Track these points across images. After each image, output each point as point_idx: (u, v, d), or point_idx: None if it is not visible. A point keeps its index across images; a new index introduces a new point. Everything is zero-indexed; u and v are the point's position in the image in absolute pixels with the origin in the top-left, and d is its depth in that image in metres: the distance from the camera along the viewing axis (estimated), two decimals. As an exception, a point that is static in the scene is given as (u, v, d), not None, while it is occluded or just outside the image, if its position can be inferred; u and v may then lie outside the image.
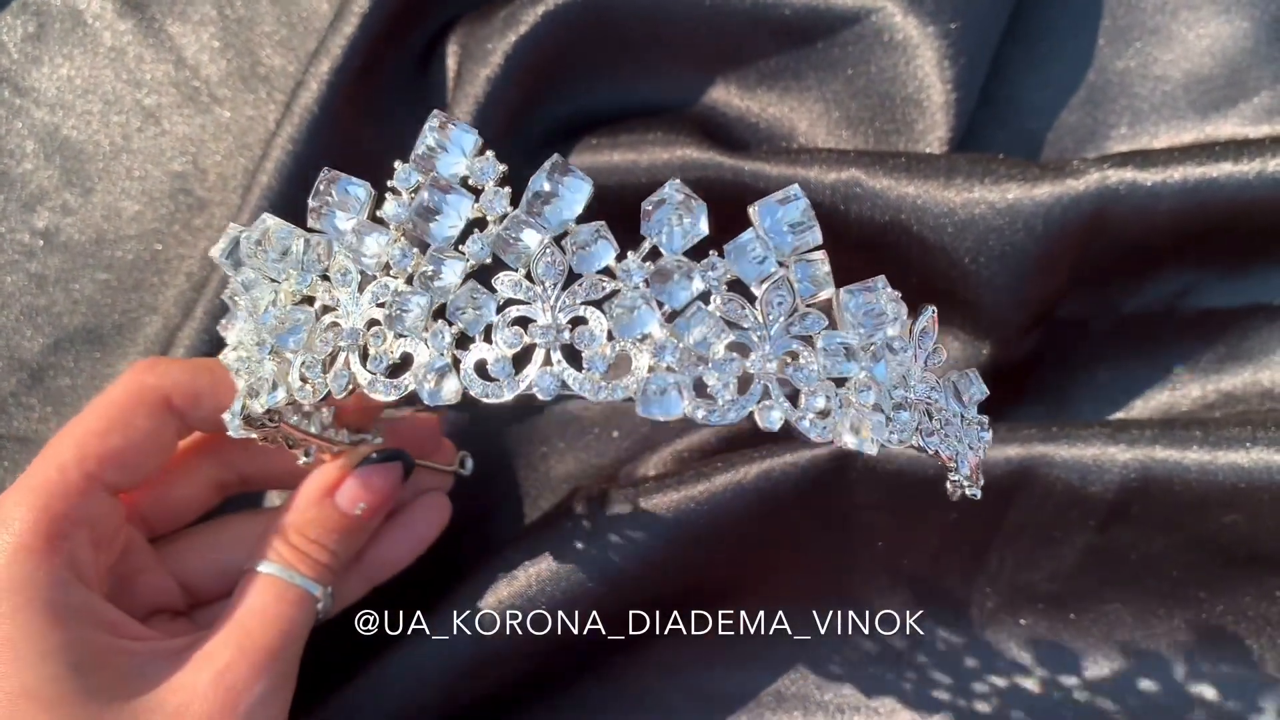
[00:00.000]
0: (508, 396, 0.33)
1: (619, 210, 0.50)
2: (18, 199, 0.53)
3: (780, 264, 0.34)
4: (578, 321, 0.33)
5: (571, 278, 0.33)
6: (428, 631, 0.44)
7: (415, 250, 0.34)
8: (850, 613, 0.49)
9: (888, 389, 0.35)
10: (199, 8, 0.55)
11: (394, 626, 0.45)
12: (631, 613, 0.46)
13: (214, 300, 0.49)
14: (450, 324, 0.33)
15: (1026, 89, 0.55)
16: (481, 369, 0.33)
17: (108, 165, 0.54)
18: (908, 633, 0.49)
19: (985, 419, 0.39)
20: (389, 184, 0.35)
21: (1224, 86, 0.54)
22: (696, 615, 0.48)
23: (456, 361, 0.33)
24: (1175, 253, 0.49)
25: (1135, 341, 0.51)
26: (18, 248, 0.52)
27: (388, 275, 0.34)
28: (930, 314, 0.37)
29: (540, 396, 0.33)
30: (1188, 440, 0.44)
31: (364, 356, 0.34)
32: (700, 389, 0.34)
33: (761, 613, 0.48)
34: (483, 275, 0.33)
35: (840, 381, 0.34)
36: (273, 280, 0.36)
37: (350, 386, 0.34)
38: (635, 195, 0.49)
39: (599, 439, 0.52)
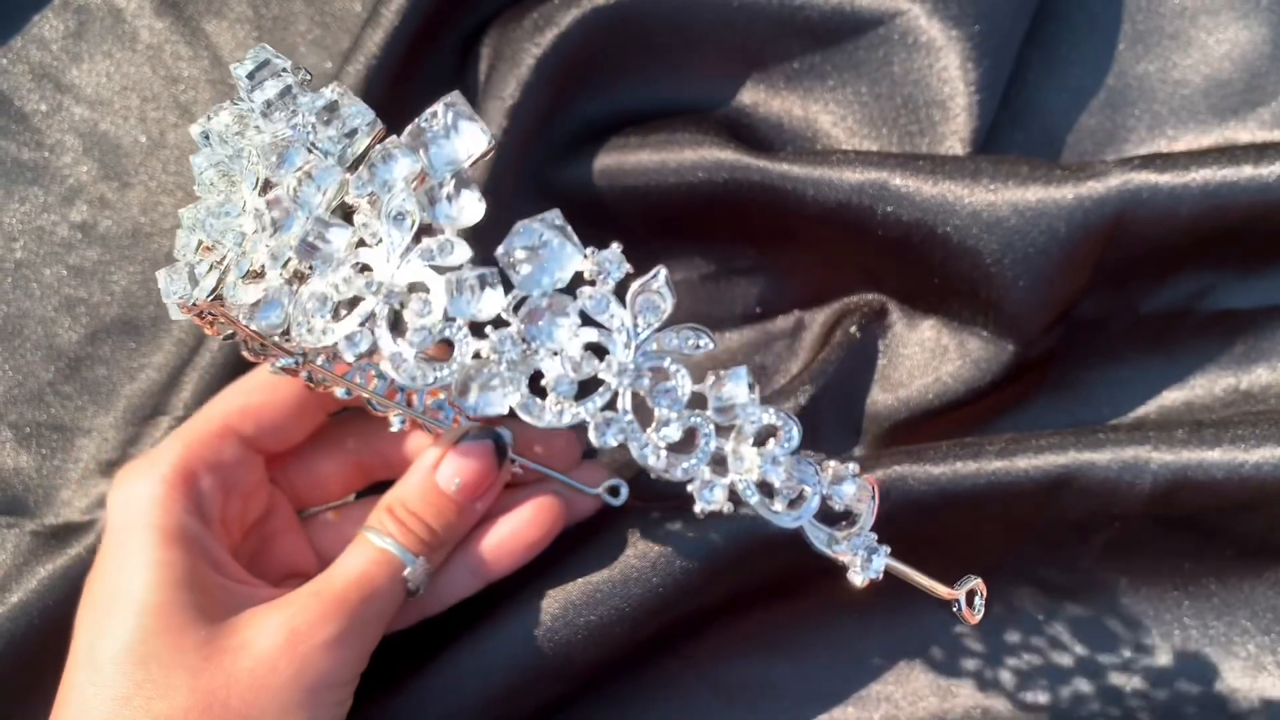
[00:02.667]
0: (325, 342, 0.32)
1: (647, 209, 0.52)
2: (57, 193, 0.54)
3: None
4: (418, 287, 0.32)
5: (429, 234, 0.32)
6: (464, 647, 0.44)
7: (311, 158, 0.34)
8: (874, 605, 0.49)
9: (566, 359, 0.33)
10: (234, 6, 0.56)
11: (421, 652, 0.45)
12: (664, 623, 0.46)
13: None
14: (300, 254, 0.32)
15: (1046, 92, 0.56)
16: (306, 299, 0.32)
17: (145, 160, 0.55)
18: (924, 627, 0.50)
19: (846, 469, 0.36)
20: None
21: (1243, 91, 0.54)
22: (724, 618, 0.49)
23: (292, 280, 0.33)
24: (1195, 254, 0.50)
25: (1154, 341, 0.52)
26: (57, 240, 0.53)
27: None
28: (661, 276, 0.34)
29: (344, 355, 0.32)
30: (1216, 441, 0.45)
31: (227, 261, 0.34)
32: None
33: (786, 605, 0.49)
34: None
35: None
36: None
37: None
38: (663, 195, 0.51)
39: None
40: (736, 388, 0.34)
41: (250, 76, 0.35)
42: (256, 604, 0.39)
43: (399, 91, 0.51)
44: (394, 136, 0.33)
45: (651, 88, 0.54)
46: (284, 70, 0.35)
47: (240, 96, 0.36)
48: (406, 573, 0.41)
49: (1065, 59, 0.56)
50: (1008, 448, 0.46)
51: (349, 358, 0.32)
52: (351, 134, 0.34)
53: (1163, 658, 0.49)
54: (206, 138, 0.36)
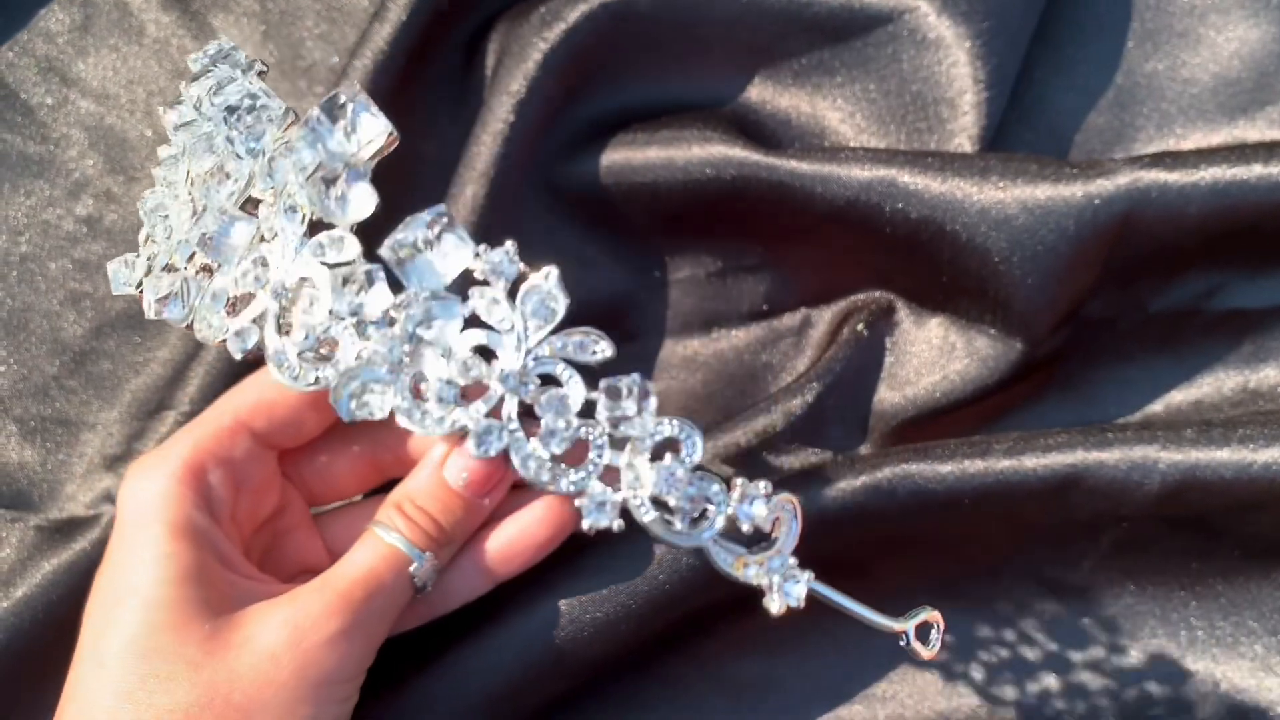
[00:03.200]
0: (213, 338, 0.32)
1: (654, 206, 0.52)
2: (63, 186, 0.54)
3: None
4: (305, 282, 0.31)
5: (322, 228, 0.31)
6: (471, 644, 0.44)
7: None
8: (875, 604, 0.49)
9: (448, 356, 0.32)
10: (242, 0, 0.56)
11: (426, 648, 0.45)
12: (670, 621, 0.46)
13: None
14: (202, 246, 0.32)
15: (1054, 90, 0.56)
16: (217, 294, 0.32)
17: (151, 154, 0.54)
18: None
19: (764, 489, 0.35)
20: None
21: (1252, 90, 0.54)
22: (731, 616, 0.49)
23: (191, 279, 0.32)
24: (1203, 253, 0.49)
25: (1162, 340, 0.52)
26: (62, 234, 0.53)
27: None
28: (552, 275, 0.33)
29: (234, 354, 0.32)
30: (1224, 441, 0.45)
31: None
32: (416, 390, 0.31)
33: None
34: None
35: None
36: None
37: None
38: (670, 192, 0.51)
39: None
40: (628, 398, 0.32)
41: (202, 68, 0.35)
42: (261, 599, 0.39)
43: (406, 87, 0.51)
44: (295, 128, 0.32)
45: (659, 84, 0.54)
46: (234, 61, 0.35)
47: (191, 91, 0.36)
48: (413, 569, 0.40)
49: (1073, 57, 0.56)
50: (1015, 446, 0.46)
51: (237, 355, 0.32)
52: (261, 128, 0.34)
53: (1169, 657, 0.49)
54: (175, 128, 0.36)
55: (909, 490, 0.45)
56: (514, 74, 0.50)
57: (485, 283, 0.32)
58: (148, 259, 0.35)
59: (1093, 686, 0.49)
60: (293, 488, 0.45)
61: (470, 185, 0.50)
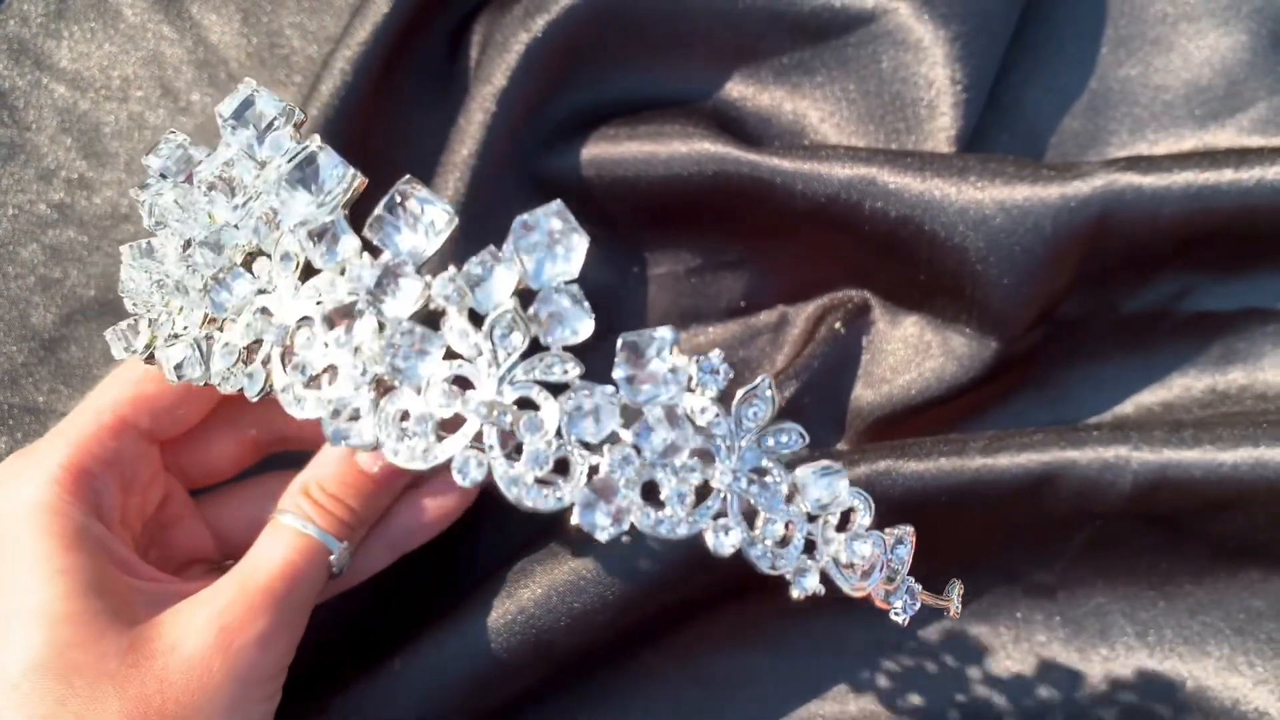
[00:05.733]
0: (422, 466, 0.30)
1: (634, 201, 0.52)
2: (35, 171, 0.53)
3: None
4: (525, 404, 0.30)
5: (534, 348, 0.30)
6: (448, 629, 0.44)
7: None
8: (850, 601, 0.49)
9: (658, 462, 0.31)
10: (220, -13, 0.55)
11: (406, 632, 0.45)
12: (646, 614, 0.46)
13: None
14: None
15: (1030, 93, 0.56)
16: (403, 418, 0.30)
17: (125, 141, 0.54)
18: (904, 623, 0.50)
19: (895, 533, 0.36)
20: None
21: (1222, 97, 0.55)
22: (706, 609, 0.49)
23: (376, 403, 0.31)
24: (1175, 256, 0.50)
25: (1133, 341, 0.52)
26: (34, 219, 0.53)
27: (340, 275, 0.32)
28: (765, 383, 0.33)
29: (457, 479, 0.30)
30: (1195, 441, 0.46)
31: (286, 357, 0.32)
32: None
33: (767, 597, 0.49)
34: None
35: (592, 448, 0.31)
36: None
37: (266, 389, 0.33)
38: (651, 187, 0.51)
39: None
40: (832, 488, 0.33)
41: (234, 116, 0.35)
42: (171, 601, 0.37)
43: (388, 78, 0.51)
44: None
45: (640, 79, 0.54)
46: (265, 110, 0.34)
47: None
48: (332, 558, 0.40)
49: (1049, 61, 0.56)
50: (991, 445, 0.46)
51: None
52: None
53: (1137, 656, 0.49)
54: (163, 175, 0.36)
55: (884, 488, 0.46)
56: (496, 66, 0.50)
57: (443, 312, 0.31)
58: (149, 326, 0.35)
59: (1062, 684, 0.49)
60: (171, 477, 0.43)
61: (451, 177, 0.50)
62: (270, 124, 0.33)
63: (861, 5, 0.52)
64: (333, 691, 0.44)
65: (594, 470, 0.30)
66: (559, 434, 0.30)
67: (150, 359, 0.38)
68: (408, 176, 0.31)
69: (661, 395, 0.30)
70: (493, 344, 0.30)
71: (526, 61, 0.50)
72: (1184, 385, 0.52)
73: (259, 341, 0.33)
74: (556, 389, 0.30)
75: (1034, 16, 0.56)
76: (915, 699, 0.49)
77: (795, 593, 0.34)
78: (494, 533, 0.50)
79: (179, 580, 0.40)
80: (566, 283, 0.30)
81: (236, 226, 0.33)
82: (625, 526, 0.30)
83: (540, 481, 0.30)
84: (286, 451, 0.45)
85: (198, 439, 0.43)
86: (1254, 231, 0.49)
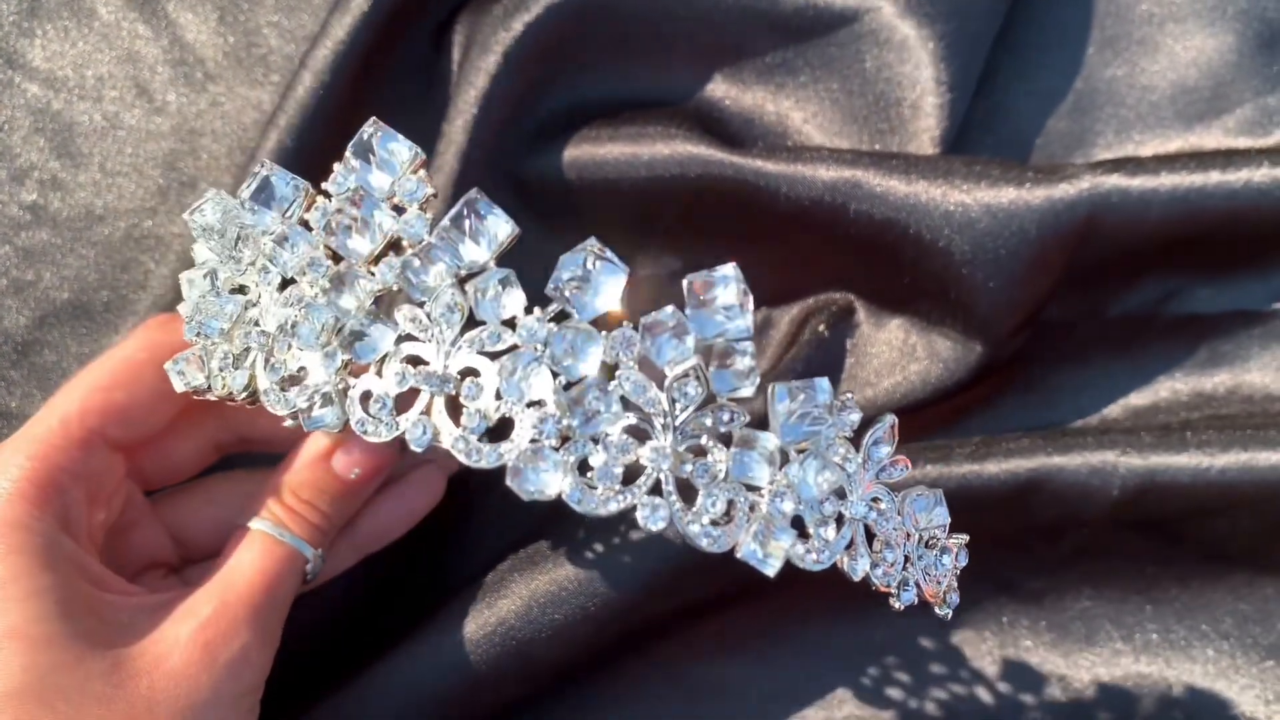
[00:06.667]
0: (385, 436, 0.32)
1: (617, 203, 0.51)
2: (7, 171, 0.52)
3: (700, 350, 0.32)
4: (469, 372, 0.31)
5: (473, 323, 0.31)
6: (424, 640, 0.44)
7: (329, 262, 0.33)
8: (840, 607, 0.49)
9: (813, 501, 0.33)
10: (196, -15, 0.55)
11: (390, 635, 0.44)
12: (629, 624, 0.46)
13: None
14: (344, 347, 0.32)
15: (1015, 95, 0.56)
16: (365, 400, 0.32)
17: (99, 141, 0.53)
18: (890, 628, 0.50)
19: (957, 541, 0.37)
20: (322, 185, 0.33)
21: (1209, 99, 0.55)
22: (689, 618, 0.49)
23: (346, 389, 0.32)
24: (1161, 259, 0.50)
25: (1120, 344, 0.52)
26: (5, 221, 0.52)
27: (305, 281, 0.33)
28: (888, 424, 0.35)
29: (411, 446, 0.31)
30: (1183, 446, 0.45)
31: (267, 360, 0.33)
32: (584, 468, 0.31)
33: (751, 606, 0.49)
34: (395, 302, 0.32)
35: (754, 488, 0.32)
36: (223, 260, 0.35)
37: (250, 389, 0.33)
38: (633, 189, 0.50)
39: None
40: (937, 513, 0.36)
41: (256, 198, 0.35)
42: (144, 615, 0.36)
43: (369, 78, 0.51)
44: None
45: (623, 79, 0.53)
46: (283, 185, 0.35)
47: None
48: (308, 565, 0.39)
49: (1035, 62, 0.56)
50: (977, 451, 0.46)
51: (417, 449, 0.32)
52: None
53: (1124, 661, 0.49)
54: (207, 231, 0.36)
55: None
56: (477, 67, 0.49)
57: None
58: (237, 363, 0.35)
59: (1048, 690, 0.49)
60: (129, 480, 0.42)
61: (436, 177, 0.49)
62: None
63: (845, 4, 0.52)
64: (307, 705, 0.43)
65: (753, 508, 0.32)
66: (725, 478, 0.32)
67: (253, 399, 0.37)
68: (474, 190, 0.32)
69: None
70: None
71: (507, 62, 0.49)
72: (1170, 388, 0.52)
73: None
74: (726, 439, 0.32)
75: (1019, 16, 0.55)
76: (902, 705, 0.49)
77: (899, 605, 0.35)
78: (471, 542, 0.49)
79: (146, 591, 0.39)
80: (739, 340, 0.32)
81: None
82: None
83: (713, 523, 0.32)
84: (247, 453, 0.44)
85: (161, 442, 0.42)
86: (1240, 234, 0.49)
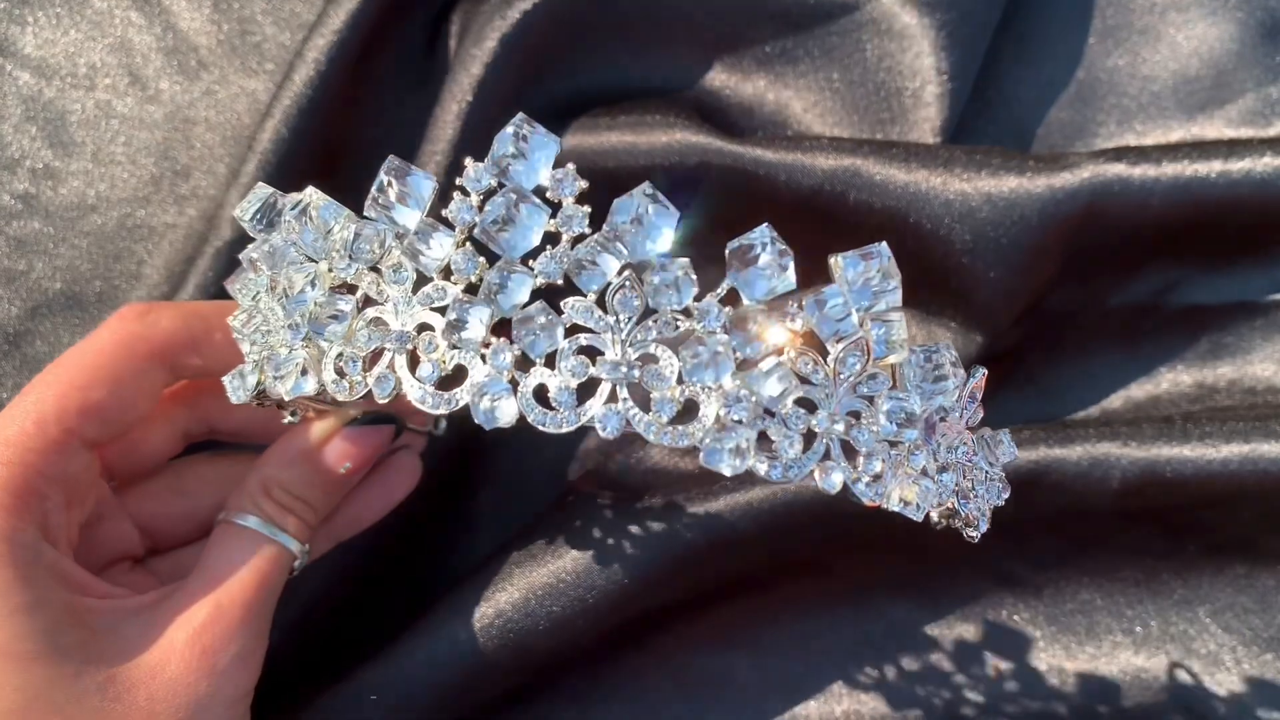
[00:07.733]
0: (567, 428, 0.32)
1: (617, 193, 0.50)
2: (-1, 161, 0.52)
3: (859, 323, 0.32)
4: (647, 359, 0.32)
5: (646, 312, 0.32)
6: (423, 632, 0.43)
7: (481, 259, 0.32)
8: (838, 600, 0.49)
9: (933, 451, 0.33)
10: (189, -28, 0.54)
11: (385, 633, 0.44)
12: (626, 617, 0.45)
13: (205, 274, 0.48)
14: (512, 343, 0.32)
15: (1017, 84, 0.55)
16: (541, 395, 0.32)
17: (91, 130, 0.52)
18: (890, 621, 0.49)
19: (1003, 475, 0.38)
20: (457, 182, 0.33)
21: (1210, 88, 0.55)
22: (687, 611, 0.48)
23: (515, 383, 0.32)
24: (1162, 249, 0.50)
25: (1121, 335, 0.52)
26: (-2, 211, 0.51)
27: (447, 280, 0.32)
28: (980, 375, 0.36)
29: (602, 433, 0.31)
30: (1185, 438, 0.45)
31: (412, 362, 0.32)
32: (762, 441, 0.32)
33: (749, 600, 0.48)
34: (549, 296, 0.31)
35: (894, 443, 0.32)
36: (309, 259, 0.34)
37: (395, 392, 0.32)
38: (632, 177, 0.49)
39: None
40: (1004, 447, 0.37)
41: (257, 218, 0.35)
42: (127, 617, 0.35)
43: (366, 66, 0.50)
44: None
45: (621, 68, 0.53)
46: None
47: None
48: (296, 562, 0.38)
49: (1036, 52, 0.56)
50: (977, 443, 0.45)
51: (609, 435, 0.32)
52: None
53: (1124, 652, 0.49)
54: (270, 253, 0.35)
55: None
56: (474, 55, 0.49)
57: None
58: (337, 370, 0.34)
59: (1048, 681, 0.49)
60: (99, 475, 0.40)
61: (431, 166, 0.49)
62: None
63: (845, -8, 0.51)
64: (304, 699, 0.43)
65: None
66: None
67: (281, 404, 0.36)
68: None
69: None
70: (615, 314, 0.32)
71: (504, 50, 0.49)
72: (1172, 380, 0.51)
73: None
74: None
75: (1020, 7, 0.55)
76: (901, 697, 0.48)
77: (902, 510, 0.35)
78: (470, 535, 0.49)
79: (128, 592, 0.37)
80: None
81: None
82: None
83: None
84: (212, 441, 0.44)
85: (130, 435, 0.40)
86: (1242, 224, 0.49)
